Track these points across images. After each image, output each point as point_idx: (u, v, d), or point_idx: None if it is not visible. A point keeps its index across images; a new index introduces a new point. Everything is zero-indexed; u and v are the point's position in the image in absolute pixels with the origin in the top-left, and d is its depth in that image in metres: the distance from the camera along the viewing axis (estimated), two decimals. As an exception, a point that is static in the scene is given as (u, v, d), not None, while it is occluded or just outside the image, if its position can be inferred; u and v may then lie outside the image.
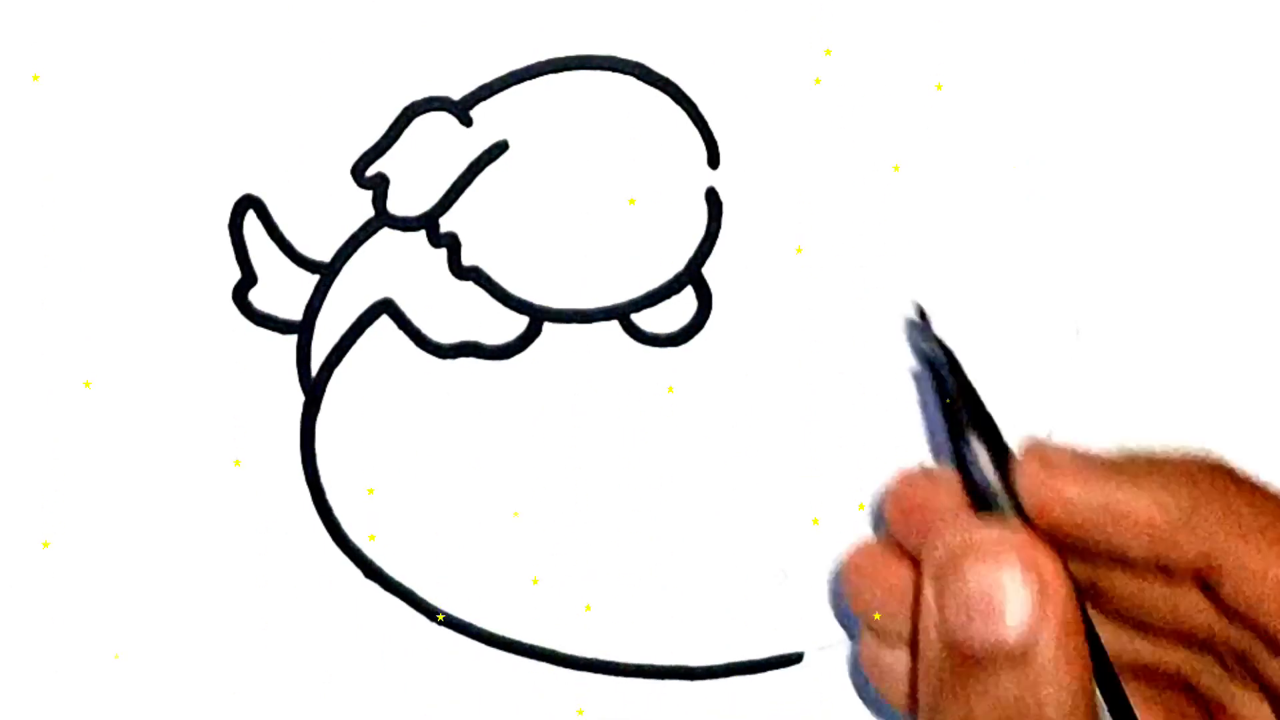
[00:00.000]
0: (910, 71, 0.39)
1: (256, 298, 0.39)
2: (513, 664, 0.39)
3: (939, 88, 0.39)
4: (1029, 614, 0.30)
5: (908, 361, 0.38)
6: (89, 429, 0.39)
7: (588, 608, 0.39)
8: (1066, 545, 0.32)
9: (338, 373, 0.39)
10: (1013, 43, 0.39)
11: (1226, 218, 0.39)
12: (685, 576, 0.39)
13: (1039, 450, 0.32)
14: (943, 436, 0.35)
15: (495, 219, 0.39)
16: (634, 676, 0.39)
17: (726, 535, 0.39)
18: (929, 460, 0.39)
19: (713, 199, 0.39)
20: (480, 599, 0.39)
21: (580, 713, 0.39)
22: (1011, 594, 0.30)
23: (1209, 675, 0.34)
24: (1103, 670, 0.32)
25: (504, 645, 0.39)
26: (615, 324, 0.39)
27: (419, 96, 0.39)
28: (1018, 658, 0.30)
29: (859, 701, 0.39)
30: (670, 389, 0.39)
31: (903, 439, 0.39)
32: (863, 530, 0.39)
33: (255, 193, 0.39)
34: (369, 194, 0.39)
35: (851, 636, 0.39)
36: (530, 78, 0.39)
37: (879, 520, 0.38)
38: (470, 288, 0.39)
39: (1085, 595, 0.33)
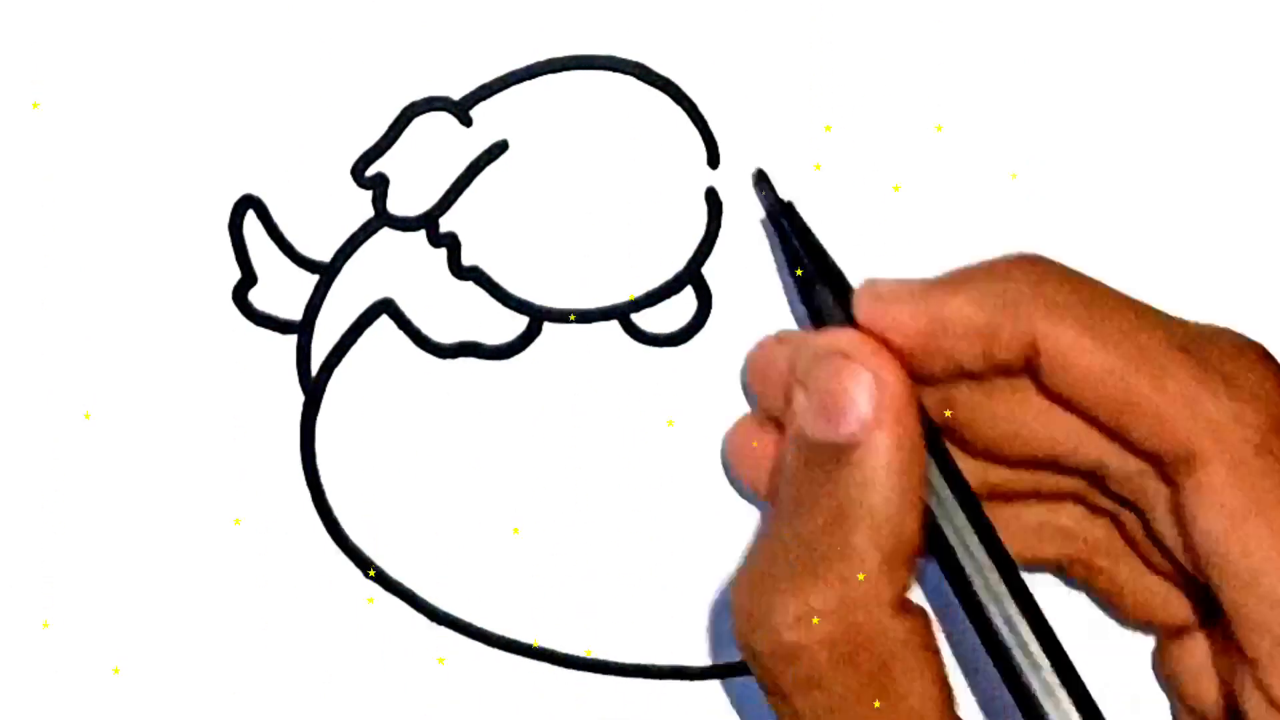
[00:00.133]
0: (910, 71, 0.39)
1: (256, 298, 0.39)
2: (512, 664, 0.39)
3: (939, 88, 0.39)
4: (866, 414, 0.32)
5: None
6: (89, 430, 0.39)
7: (587, 608, 0.39)
8: (914, 372, 0.33)
9: (338, 373, 0.39)
10: (1013, 43, 0.39)
11: (1227, 228, 0.39)
12: (685, 576, 0.39)
13: (871, 285, 0.34)
14: (795, 294, 0.36)
15: (495, 219, 0.39)
16: (633, 677, 0.39)
17: (727, 535, 0.39)
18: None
19: (713, 199, 0.39)
20: (480, 598, 0.39)
21: (582, 712, 0.39)
22: (852, 393, 0.32)
23: (1095, 493, 0.35)
24: (963, 495, 0.33)
25: (504, 645, 0.39)
26: (615, 324, 0.39)
27: (419, 96, 0.39)
28: (853, 457, 0.31)
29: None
30: (670, 389, 0.39)
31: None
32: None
33: (255, 193, 0.39)
34: (369, 194, 0.39)
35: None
36: (530, 78, 0.39)
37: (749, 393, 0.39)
38: (470, 288, 0.39)
39: (958, 432, 0.35)
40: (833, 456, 0.32)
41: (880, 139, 0.39)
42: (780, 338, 0.37)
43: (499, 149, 0.39)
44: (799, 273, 0.35)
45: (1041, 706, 0.32)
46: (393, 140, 0.39)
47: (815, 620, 0.31)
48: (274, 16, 0.39)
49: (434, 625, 0.39)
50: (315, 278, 0.39)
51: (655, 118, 0.39)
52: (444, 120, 0.39)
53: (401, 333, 0.39)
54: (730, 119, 0.39)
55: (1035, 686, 0.32)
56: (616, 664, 0.39)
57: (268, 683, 0.39)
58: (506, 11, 0.39)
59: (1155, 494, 0.33)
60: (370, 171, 0.39)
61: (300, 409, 0.39)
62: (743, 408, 0.38)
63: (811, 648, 0.31)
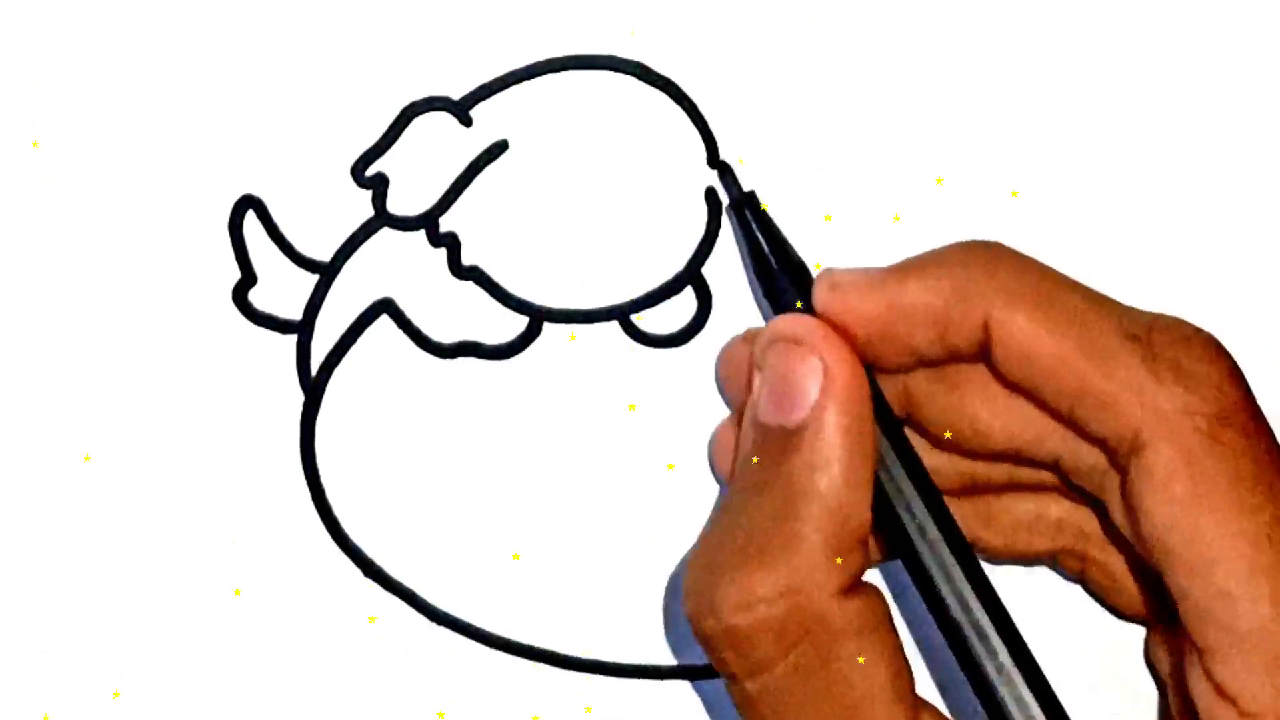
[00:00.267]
0: (910, 72, 0.39)
1: (256, 297, 0.39)
2: (512, 664, 0.39)
3: (939, 88, 0.39)
4: (814, 398, 0.32)
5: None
6: (89, 430, 0.39)
7: (587, 607, 0.39)
8: (872, 361, 0.34)
9: (338, 372, 0.39)
10: (1013, 43, 0.39)
11: (1227, 242, 0.39)
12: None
13: (828, 274, 0.34)
14: (759, 288, 0.37)
15: (495, 219, 0.39)
16: (634, 677, 0.39)
17: (726, 535, 0.39)
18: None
19: (713, 199, 0.39)
20: (480, 598, 0.39)
21: (588, 710, 0.39)
22: (802, 378, 0.32)
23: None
24: (920, 482, 0.33)
25: (503, 645, 0.39)
26: (615, 324, 0.39)
27: (419, 96, 0.39)
28: (801, 441, 0.32)
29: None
30: (670, 389, 0.39)
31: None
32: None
33: (255, 193, 0.39)
34: (369, 194, 0.39)
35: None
36: (530, 77, 0.39)
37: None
38: (470, 288, 0.39)
39: (921, 424, 0.35)
40: (783, 441, 0.32)
41: (880, 139, 0.39)
42: (746, 335, 0.37)
43: (499, 149, 0.39)
44: (762, 266, 0.36)
45: (999, 691, 0.32)
46: (393, 140, 0.39)
47: (760, 605, 0.31)
48: (274, 17, 0.39)
49: (434, 625, 0.39)
50: (315, 278, 0.39)
51: (655, 118, 0.39)
52: (444, 120, 0.39)
53: (401, 332, 0.39)
54: (730, 119, 0.39)
55: (991, 672, 0.32)
56: (616, 664, 0.39)
57: (268, 683, 0.39)
58: (506, 11, 0.39)
59: (1112, 486, 0.33)
60: (370, 171, 0.39)
61: (300, 409, 0.39)
62: (743, 408, 0.39)
63: (757, 632, 0.31)
